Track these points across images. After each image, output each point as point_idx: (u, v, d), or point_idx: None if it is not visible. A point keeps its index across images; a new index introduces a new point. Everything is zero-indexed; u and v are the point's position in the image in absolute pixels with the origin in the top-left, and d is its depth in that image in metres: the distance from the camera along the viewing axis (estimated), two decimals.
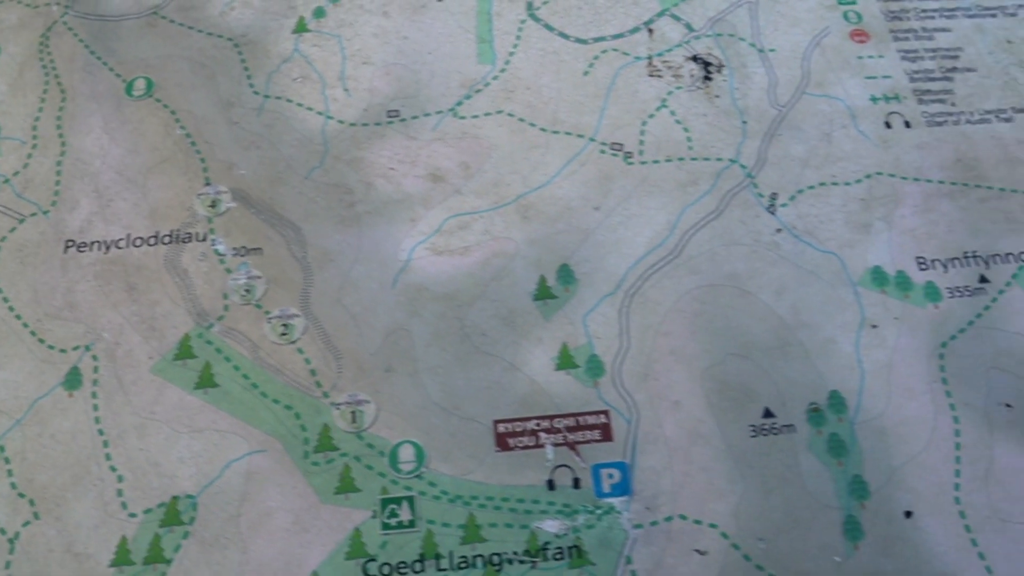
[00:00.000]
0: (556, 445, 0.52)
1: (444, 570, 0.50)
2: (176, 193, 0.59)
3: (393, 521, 0.51)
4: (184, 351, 0.55)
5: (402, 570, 0.50)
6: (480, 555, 0.50)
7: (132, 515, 0.51)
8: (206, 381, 0.54)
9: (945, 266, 0.59)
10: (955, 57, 0.66)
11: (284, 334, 0.55)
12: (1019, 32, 0.68)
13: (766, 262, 0.57)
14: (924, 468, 0.53)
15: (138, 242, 0.58)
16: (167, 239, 0.58)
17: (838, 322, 0.56)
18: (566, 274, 0.57)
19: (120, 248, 0.58)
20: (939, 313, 0.57)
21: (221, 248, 0.58)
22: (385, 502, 0.51)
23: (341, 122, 0.62)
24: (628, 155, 0.61)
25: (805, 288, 0.57)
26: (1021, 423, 0.54)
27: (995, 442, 0.54)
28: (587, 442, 0.53)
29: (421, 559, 0.50)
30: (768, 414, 0.54)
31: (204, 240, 0.58)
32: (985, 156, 0.63)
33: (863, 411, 0.54)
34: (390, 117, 0.62)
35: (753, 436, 0.53)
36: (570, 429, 0.53)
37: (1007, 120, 0.64)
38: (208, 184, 0.60)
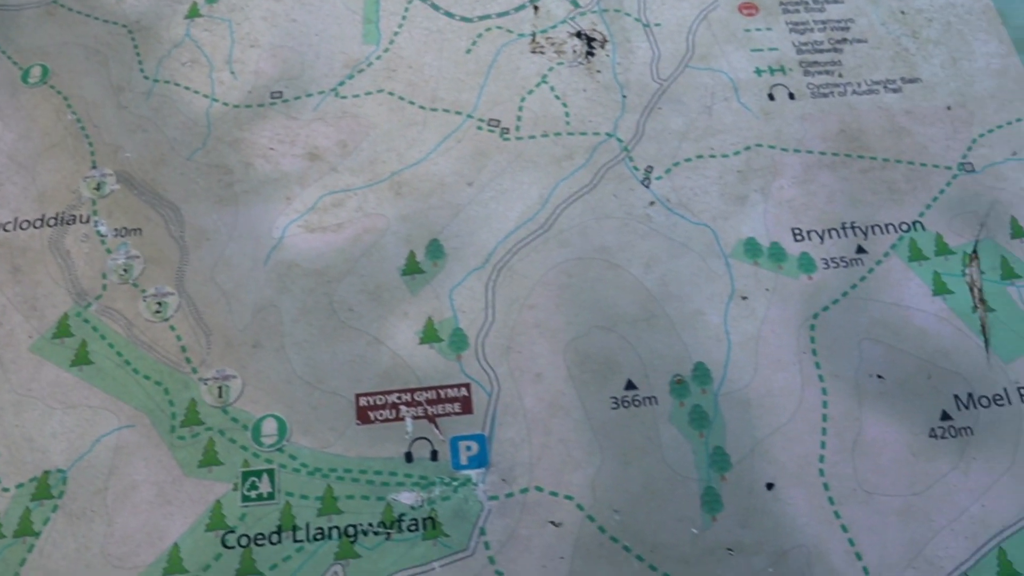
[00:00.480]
0: (416, 418, 0.52)
1: (300, 541, 0.50)
2: (64, 176, 0.60)
3: (253, 493, 0.51)
4: (62, 330, 0.56)
5: (259, 541, 0.50)
6: (336, 526, 0.50)
7: (5, 489, 0.52)
8: (81, 359, 0.55)
9: (822, 237, 0.58)
10: (846, 28, 0.66)
11: (158, 312, 0.56)
12: (913, 3, 0.67)
13: (637, 235, 0.57)
14: (789, 439, 0.52)
15: (24, 225, 0.59)
16: (52, 221, 0.59)
17: (707, 294, 0.56)
18: (435, 249, 0.57)
19: (7, 231, 0.59)
20: (812, 284, 0.56)
21: (103, 229, 0.58)
22: (246, 475, 0.52)
23: (226, 104, 0.63)
24: (505, 131, 0.61)
25: (675, 260, 0.57)
26: (891, 394, 0.53)
27: (863, 413, 0.53)
28: (447, 415, 0.53)
29: (278, 531, 0.50)
30: (630, 386, 0.53)
31: (87, 222, 0.59)
32: (870, 127, 0.62)
33: (728, 382, 0.53)
34: (273, 98, 0.63)
35: (614, 408, 0.53)
36: (431, 402, 0.53)
37: (895, 91, 0.64)
38: (94, 167, 0.60)
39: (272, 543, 0.50)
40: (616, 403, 0.53)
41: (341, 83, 0.63)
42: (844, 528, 0.50)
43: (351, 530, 0.50)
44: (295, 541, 0.50)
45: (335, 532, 0.50)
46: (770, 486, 0.51)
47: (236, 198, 0.59)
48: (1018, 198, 0.60)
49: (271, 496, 0.51)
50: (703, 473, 0.51)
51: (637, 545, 0.50)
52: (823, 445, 0.52)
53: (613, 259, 0.56)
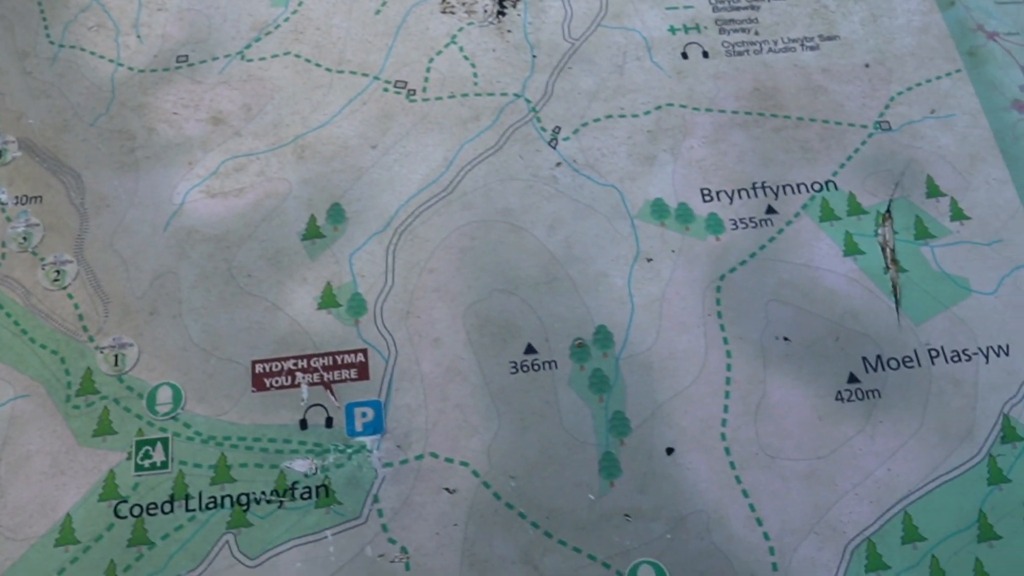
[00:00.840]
0: (312, 384, 0.51)
1: (192, 511, 0.49)
2: None
3: (146, 463, 0.50)
4: None
5: (152, 511, 0.49)
6: (229, 495, 0.49)
7: None
8: None
9: (731, 197, 0.57)
10: None
11: (56, 280, 0.55)
12: None
13: (542, 197, 0.56)
14: (691, 403, 0.51)
15: None
16: None
17: (612, 256, 0.55)
18: (336, 213, 0.56)
19: None
20: (720, 245, 0.55)
21: (3, 197, 0.57)
22: (140, 444, 0.51)
23: (131, 69, 0.61)
24: (411, 93, 0.59)
25: (580, 222, 0.55)
26: (798, 357, 0.52)
27: (768, 376, 0.52)
28: (343, 381, 0.52)
29: (171, 500, 0.50)
30: (530, 350, 0.52)
31: None
32: (785, 85, 0.61)
33: (630, 346, 0.52)
34: (179, 62, 0.62)
35: (513, 373, 0.52)
36: (327, 368, 0.52)
37: (813, 48, 0.62)
38: None
39: (164, 512, 0.49)
40: (515, 367, 0.52)
41: (248, 46, 0.62)
42: (745, 493, 0.49)
43: (244, 499, 0.49)
44: (187, 510, 0.49)
45: (228, 501, 0.49)
46: (670, 451, 0.50)
47: (138, 164, 0.58)
48: (935, 157, 0.58)
49: (164, 465, 0.50)
50: (602, 438, 0.50)
51: (532, 511, 0.49)
52: (726, 409, 0.51)
53: (517, 221, 0.55)
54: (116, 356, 0.53)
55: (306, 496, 0.49)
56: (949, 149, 0.59)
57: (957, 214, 0.57)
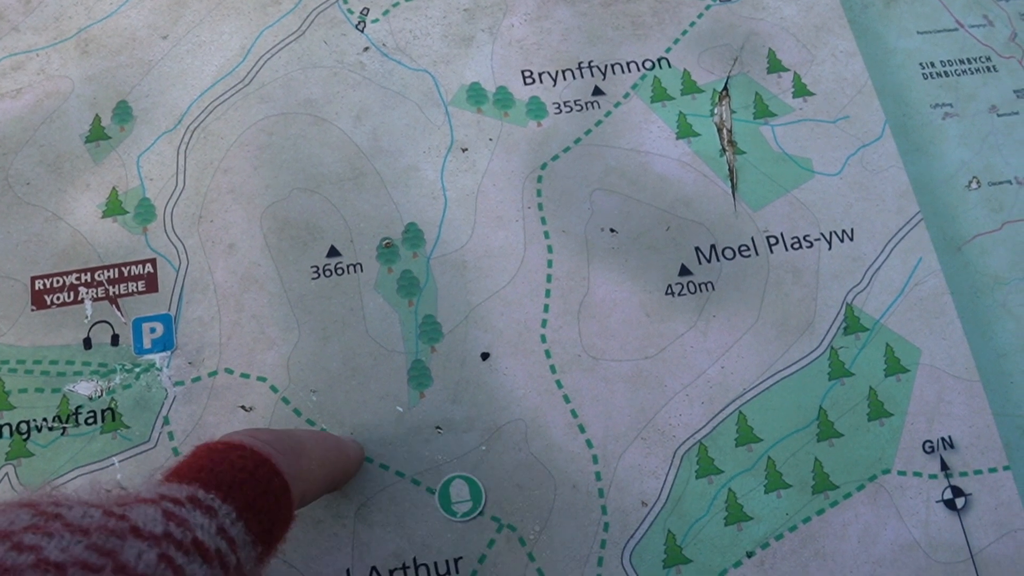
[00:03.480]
0: (96, 300, 0.46)
1: None
2: None
3: None
4: None
5: None
6: (7, 424, 0.45)
7: None
8: None
9: (554, 79, 0.52)
10: None
11: None
12: None
13: (348, 85, 0.50)
14: (508, 304, 0.47)
15: None
16: None
17: (423, 147, 0.49)
18: (123, 112, 0.50)
19: None
20: (542, 131, 0.50)
21: None
22: None
23: None
24: None
25: (389, 112, 0.50)
26: (624, 249, 0.48)
27: (592, 272, 0.47)
28: (130, 295, 0.47)
29: None
30: (333, 252, 0.47)
31: None
32: None
33: (442, 244, 0.47)
34: None
35: (315, 278, 0.47)
36: (112, 281, 0.47)
37: None
38: None
39: None
40: (317, 272, 0.47)
41: None
42: (567, 398, 0.45)
43: (24, 427, 0.45)
44: None
45: (6, 430, 0.45)
46: (485, 356, 0.46)
47: None
48: (778, 29, 0.53)
49: None
50: (411, 345, 0.46)
51: (335, 428, 0.45)
52: (546, 309, 0.47)
53: (320, 113, 0.50)
54: None
55: (91, 421, 0.45)
56: (793, 20, 0.54)
57: (800, 90, 0.52)
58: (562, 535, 0.43)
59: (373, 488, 0.44)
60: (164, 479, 0.30)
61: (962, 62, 0.55)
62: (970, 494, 0.45)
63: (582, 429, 0.45)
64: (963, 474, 0.46)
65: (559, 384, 0.46)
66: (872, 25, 0.55)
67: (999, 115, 0.53)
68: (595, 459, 0.45)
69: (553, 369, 0.46)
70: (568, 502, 0.44)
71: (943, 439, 0.46)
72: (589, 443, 0.45)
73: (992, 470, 0.46)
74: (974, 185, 0.52)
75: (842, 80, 0.52)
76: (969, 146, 0.52)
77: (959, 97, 0.54)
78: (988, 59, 0.55)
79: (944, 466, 0.46)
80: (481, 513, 0.44)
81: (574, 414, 0.45)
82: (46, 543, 0.23)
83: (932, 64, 0.54)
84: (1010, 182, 0.52)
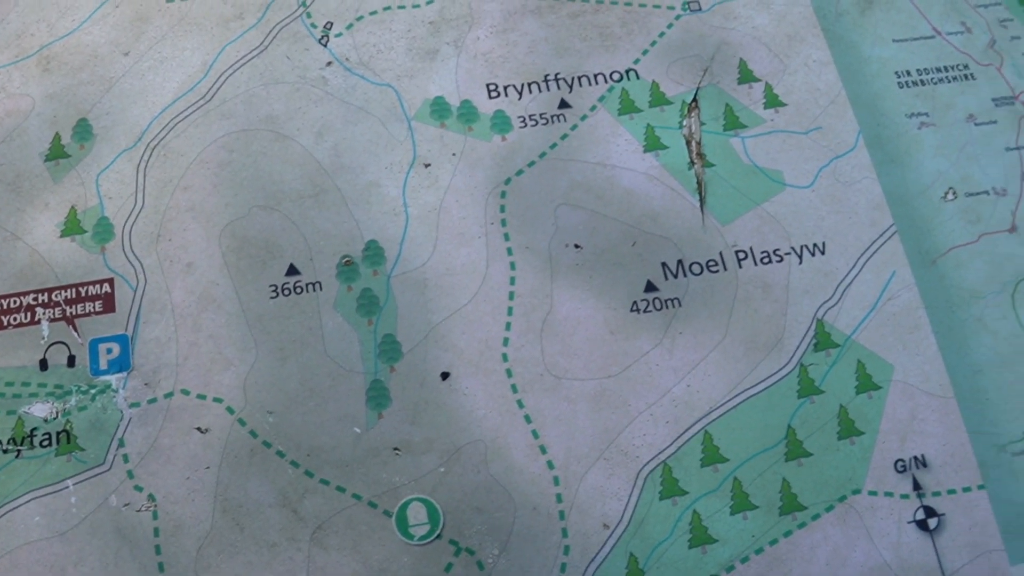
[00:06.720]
0: (53, 320, 0.46)
1: None
2: None
3: None
4: None
5: None
6: None
7: None
8: None
9: (520, 92, 0.51)
10: None
11: None
12: None
13: (310, 100, 0.50)
14: (469, 322, 0.46)
15: None
16: None
17: (385, 163, 0.49)
18: (83, 130, 0.50)
19: None
20: (506, 146, 0.49)
21: None
22: None
23: None
24: None
25: (351, 127, 0.49)
26: (589, 265, 0.47)
27: (556, 289, 0.46)
28: (87, 315, 0.46)
29: None
30: (293, 271, 0.47)
31: None
32: None
33: (403, 261, 0.47)
34: None
35: (273, 297, 0.46)
36: (69, 301, 0.46)
37: None
38: None
39: None
40: (275, 291, 0.46)
41: None
42: (528, 418, 0.44)
43: None
44: None
45: None
46: (445, 375, 0.45)
47: None
48: (749, 38, 0.52)
49: None
50: (370, 365, 0.45)
51: (292, 450, 0.44)
52: (508, 327, 0.46)
53: (281, 129, 0.49)
54: None
55: (46, 443, 0.44)
56: (765, 29, 0.53)
57: (772, 100, 0.51)
58: (521, 559, 0.43)
59: (329, 511, 0.43)
60: None
61: (939, 70, 0.53)
62: (943, 514, 0.44)
63: (543, 450, 0.44)
64: (936, 494, 0.45)
65: (520, 404, 0.45)
66: (846, 33, 0.54)
67: (977, 124, 0.52)
68: (556, 481, 0.44)
69: (514, 389, 0.45)
70: (528, 525, 0.43)
71: (916, 458, 0.45)
72: (550, 464, 0.44)
73: (966, 489, 0.45)
74: (950, 196, 0.50)
75: (815, 90, 0.51)
76: (946, 156, 0.51)
77: (936, 106, 0.52)
78: (966, 67, 0.54)
79: (916, 486, 0.45)
80: (439, 536, 0.43)
81: (535, 435, 0.44)
82: None
83: (908, 72, 0.53)
84: (987, 192, 0.51)
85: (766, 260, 0.48)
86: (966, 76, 0.54)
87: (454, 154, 0.49)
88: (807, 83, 0.52)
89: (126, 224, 0.48)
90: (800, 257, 0.48)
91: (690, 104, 0.51)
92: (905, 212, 0.50)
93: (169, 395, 0.45)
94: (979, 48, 0.55)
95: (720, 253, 0.48)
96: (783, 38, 0.53)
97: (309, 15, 0.52)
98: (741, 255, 0.48)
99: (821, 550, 0.43)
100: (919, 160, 0.51)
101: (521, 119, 0.50)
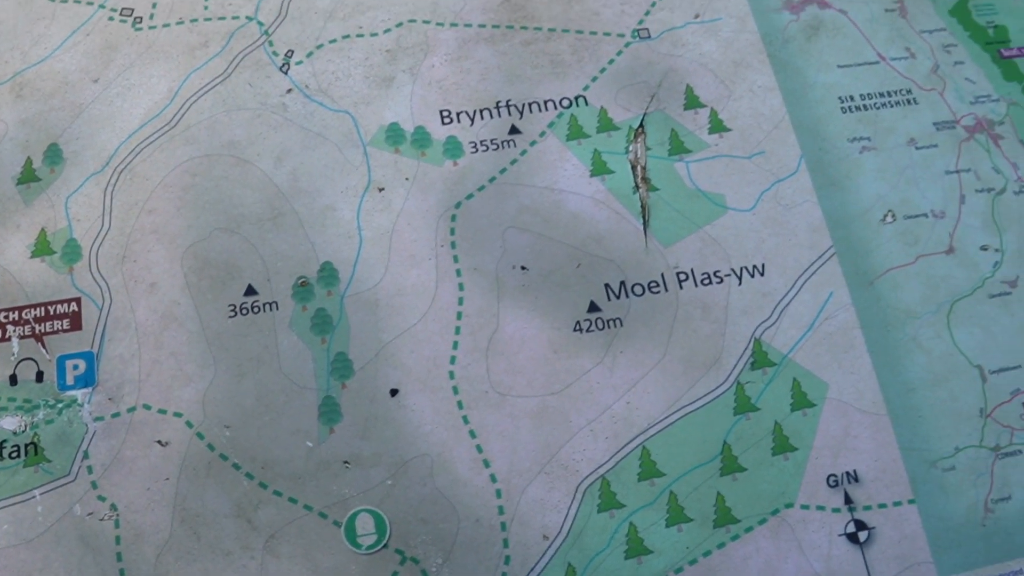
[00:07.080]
0: (23, 338, 0.48)
1: None
2: None
3: None
4: None
5: None
6: None
7: None
8: None
9: (472, 118, 0.53)
10: None
11: None
12: None
13: (270, 126, 0.52)
14: (418, 341, 0.48)
15: None
16: None
17: (341, 187, 0.51)
18: (54, 154, 0.52)
19: None
20: (458, 170, 0.52)
21: None
22: None
23: None
24: (138, 20, 0.56)
25: (309, 152, 0.52)
26: (534, 287, 0.49)
27: (502, 309, 0.49)
28: (55, 332, 0.48)
29: None
30: (251, 291, 0.49)
31: None
32: None
33: (356, 282, 0.49)
34: None
35: (232, 316, 0.49)
36: (39, 320, 0.49)
37: None
38: None
39: None
40: (234, 311, 0.49)
41: None
42: (472, 434, 0.47)
43: None
44: None
45: None
46: (394, 392, 0.47)
47: None
48: (696, 65, 0.54)
49: None
50: (323, 382, 0.47)
51: (247, 462, 0.46)
52: (455, 346, 0.48)
53: (242, 154, 0.52)
54: None
55: (14, 455, 0.47)
56: (712, 56, 0.55)
57: (717, 126, 0.53)
58: (464, 568, 0.45)
59: (282, 521, 0.45)
60: None
61: (882, 95, 0.55)
62: (873, 527, 0.46)
63: (487, 464, 0.46)
64: (867, 508, 0.46)
65: (466, 420, 0.47)
66: (792, 59, 0.56)
67: (917, 148, 0.54)
68: (499, 493, 0.46)
69: (460, 405, 0.47)
70: (471, 535, 0.45)
71: (848, 473, 0.47)
72: (493, 478, 0.46)
73: (897, 503, 0.46)
74: (889, 219, 0.52)
75: (759, 115, 0.53)
76: (886, 179, 0.53)
77: (878, 130, 0.54)
78: (909, 91, 0.55)
79: (848, 500, 0.47)
80: (385, 546, 0.45)
81: (479, 449, 0.47)
82: None
83: (851, 98, 0.55)
84: (926, 215, 0.53)
85: (706, 281, 0.50)
86: (909, 101, 0.55)
87: (407, 179, 0.51)
88: (752, 108, 0.54)
89: (93, 245, 0.50)
90: (740, 278, 0.50)
91: (636, 129, 0.53)
92: (844, 234, 0.52)
93: (132, 409, 0.47)
94: (922, 73, 0.57)
95: (662, 275, 0.50)
96: (729, 64, 0.55)
97: (271, 43, 0.55)
98: (682, 276, 0.50)
99: (753, 562, 0.45)
100: (860, 183, 0.53)
101: (472, 144, 0.52)
